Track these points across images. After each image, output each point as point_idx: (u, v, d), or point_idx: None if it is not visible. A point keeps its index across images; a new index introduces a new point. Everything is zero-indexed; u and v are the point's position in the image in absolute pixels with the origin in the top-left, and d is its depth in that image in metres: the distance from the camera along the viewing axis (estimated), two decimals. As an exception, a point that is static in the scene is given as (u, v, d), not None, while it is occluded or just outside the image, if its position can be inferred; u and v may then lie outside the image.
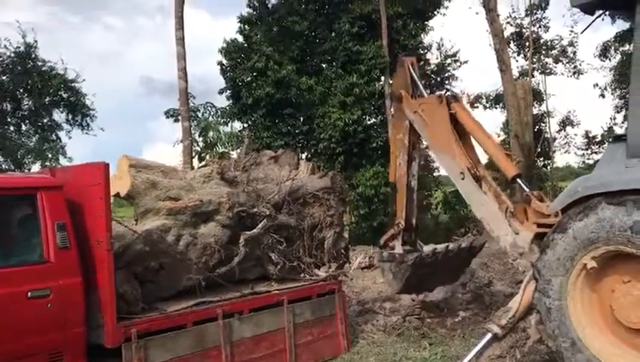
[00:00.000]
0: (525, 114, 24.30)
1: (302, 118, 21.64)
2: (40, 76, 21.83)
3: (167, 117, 26.08)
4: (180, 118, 26.79)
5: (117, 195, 6.48)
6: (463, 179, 7.34)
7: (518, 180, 6.93)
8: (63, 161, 22.20)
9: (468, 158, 7.38)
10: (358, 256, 15.84)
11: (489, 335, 6.24)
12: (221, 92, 22.14)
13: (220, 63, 21.93)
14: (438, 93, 8.34)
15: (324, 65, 22.47)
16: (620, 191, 5.09)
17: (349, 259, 8.49)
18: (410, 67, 8.71)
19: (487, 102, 33.77)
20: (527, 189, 6.70)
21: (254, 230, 6.92)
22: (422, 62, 25.51)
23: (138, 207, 6.34)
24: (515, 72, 29.29)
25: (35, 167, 20.99)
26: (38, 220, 4.97)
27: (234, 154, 23.91)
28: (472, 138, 7.59)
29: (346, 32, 21.50)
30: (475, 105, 33.83)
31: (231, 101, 22.26)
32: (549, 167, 32.84)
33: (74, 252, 5.13)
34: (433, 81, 26.03)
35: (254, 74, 21.06)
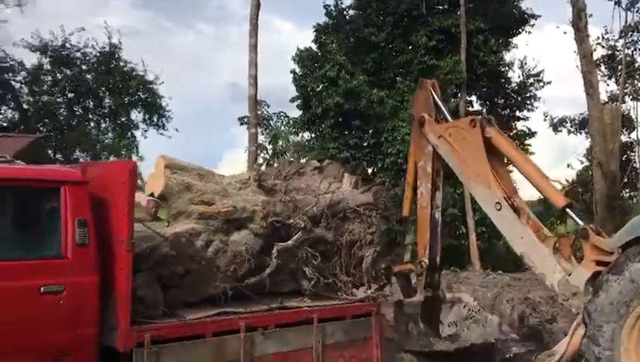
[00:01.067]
0: (612, 141, 22.89)
1: (370, 131, 21.30)
2: (121, 76, 22.66)
3: (241, 123, 26.52)
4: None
5: (152, 195, 6.43)
6: (499, 210, 6.79)
7: (569, 211, 6.30)
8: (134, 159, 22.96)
9: (504, 188, 6.82)
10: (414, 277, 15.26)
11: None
12: (292, 100, 22.18)
13: (293, 72, 21.99)
14: (470, 116, 7.77)
15: (397, 79, 22.04)
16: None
17: (390, 281, 8.03)
18: (432, 90, 8.23)
19: (571, 127, 32.18)
20: (580, 222, 6.06)
21: (288, 242, 6.64)
22: (502, 81, 24.56)
23: (171, 209, 6.23)
24: (604, 97, 27.75)
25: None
26: (59, 215, 4.89)
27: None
28: (505, 166, 7.08)
29: (422, 46, 21.03)
30: (559, 129, 32.33)
31: (301, 110, 22.26)
32: (634, 199, 30.73)
33: (92, 249, 5.01)
34: (513, 101, 24.95)
35: (325, 83, 20.96)
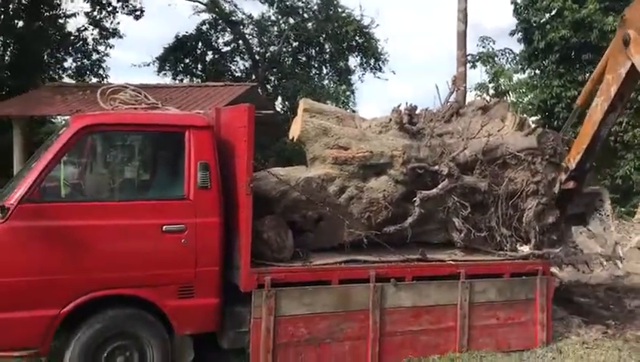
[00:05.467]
0: None
1: (604, 65, 18.52)
2: (339, 22, 23.08)
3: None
4: (476, 63, 25.99)
5: (292, 139, 6.42)
6: None
7: None
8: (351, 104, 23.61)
9: None
10: (640, 232, 13.17)
11: None
12: (511, 34, 20.30)
13: (514, 2, 20.00)
14: None
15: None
16: None
17: (564, 237, 6.95)
18: None
19: None
20: None
21: (433, 190, 6.12)
22: None
23: (308, 153, 6.15)
24: None
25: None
26: (183, 158, 5.10)
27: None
28: None
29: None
30: None
31: (522, 45, 20.30)
32: None
33: (215, 192, 5.15)
34: None
35: (550, 14, 18.69)
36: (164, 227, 4.95)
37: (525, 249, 6.57)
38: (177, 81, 23.30)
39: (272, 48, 24.39)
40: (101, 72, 22.89)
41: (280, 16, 24.24)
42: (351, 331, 5.58)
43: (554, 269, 7.54)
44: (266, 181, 5.74)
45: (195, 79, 23.82)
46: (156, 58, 24.23)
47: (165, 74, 24.45)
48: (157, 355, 4.93)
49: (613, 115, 6.73)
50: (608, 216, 7.72)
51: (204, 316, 5.17)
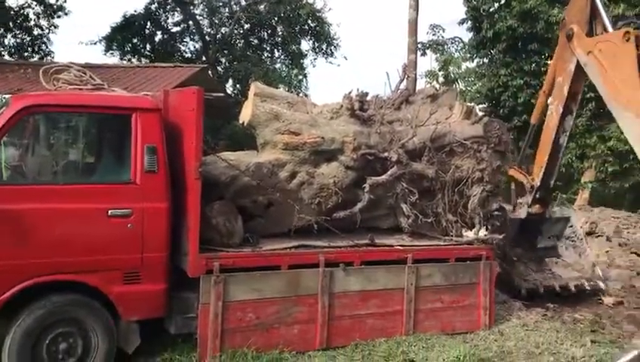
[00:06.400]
0: None
1: (548, 55, 19.09)
2: (291, 5, 22.88)
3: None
4: (426, 50, 26.38)
5: (243, 124, 6.36)
6: None
7: None
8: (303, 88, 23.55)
9: None
10: (581, 219, 13.67)
11: (633, 355, 4.67)
12: (461, 23, 20.67)
13: (464, -10, 20.37)
14: (623, 28, 6.32)
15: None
16: None
17: (506, 223, 7.18)
18: None
19: None
20: None
21: (382, 176, 6.19)
22: None
23: (259, 138, 6.11)
24: None
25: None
26: (130, 141, 4.98)
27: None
28: None
29: (619, -48, 17.97)
30: None
31: (471, 34, 20.69)
32: None
33: (162, 176, 5.06)
34: None
35: (499, 3, 19.10)
36: (110, 211, 4.84)
37: (470, 234, 6.75)
38: (125, 62, 22.66)
39: (223, 30, 24.03)
40: (44, 48, 22.01)
41: (232, -3, 23.86)
42: (300, 315, 5.62)
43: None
44: (215, 166, 5.68)
45: (143, 60, 23.22)
46: (103, 37, 23.50)
47: (112, 54, 23.76)
48: (102, 341, 4.84)
49: (569, 118, 6.95)
50: (581, 239, 7.97)
51: (150, 302, 5.09)
